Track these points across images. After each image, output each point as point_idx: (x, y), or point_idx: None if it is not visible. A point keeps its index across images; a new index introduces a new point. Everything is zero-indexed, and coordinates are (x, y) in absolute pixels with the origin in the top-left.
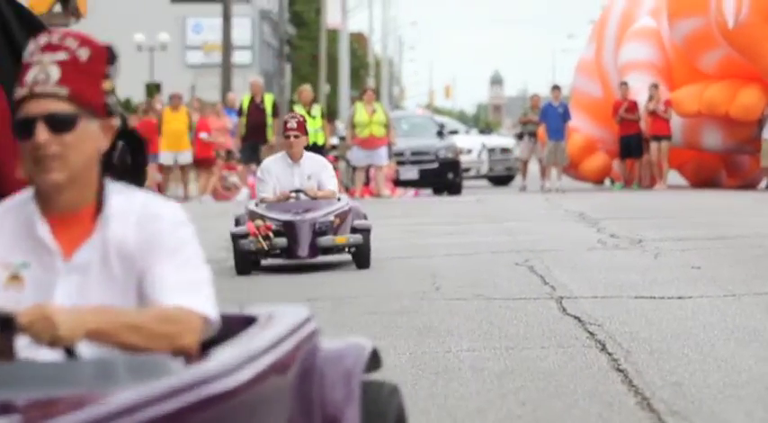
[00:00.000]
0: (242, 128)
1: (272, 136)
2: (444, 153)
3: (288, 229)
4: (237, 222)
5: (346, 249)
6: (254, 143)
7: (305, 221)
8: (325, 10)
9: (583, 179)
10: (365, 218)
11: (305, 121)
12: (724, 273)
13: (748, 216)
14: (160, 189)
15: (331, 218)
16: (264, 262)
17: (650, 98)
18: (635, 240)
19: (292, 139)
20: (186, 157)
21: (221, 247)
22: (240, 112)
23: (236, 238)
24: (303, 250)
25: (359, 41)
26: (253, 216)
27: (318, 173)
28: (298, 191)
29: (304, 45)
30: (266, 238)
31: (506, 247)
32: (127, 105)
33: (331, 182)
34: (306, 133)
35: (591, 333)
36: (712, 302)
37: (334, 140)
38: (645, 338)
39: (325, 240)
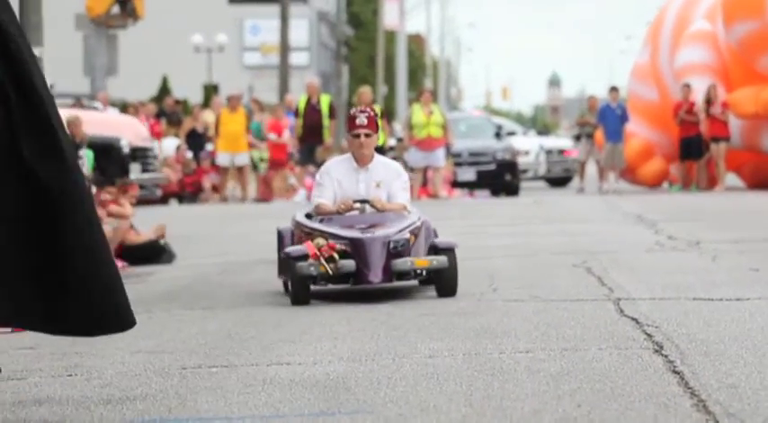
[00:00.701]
0: (298, 129)
1: (328, 137)
2: (502, 154)
3: (356, 248)
4: (280, 236)
5: (425, 274)
6: (310, 144)
7: (376, 239)
8: (383, 11)
9: (640, 184)
10: (435, 234)
11: (377, 116)
12: None
13: None
14: (217, 190)
15: (406, 235)
16: (315, 287)
17: (707, 100)
18: (693, 242)
19: (362, 138)
20: (243, 158)
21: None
22: (297, 114)
23: (290, 260)
24: (375, 274)
25: (416, 43)
26: (303, 230)
27: (390, 182)
28: (363, 201)
29: (361, 46)
30: (330, 260)
31: (564, 249)
32: (185, 107)
33: (403, 194)
34: (377, 130)
35: (648, 335)
36: None
37: (392, 141)
38: (702, 340)
39: (403, 263)
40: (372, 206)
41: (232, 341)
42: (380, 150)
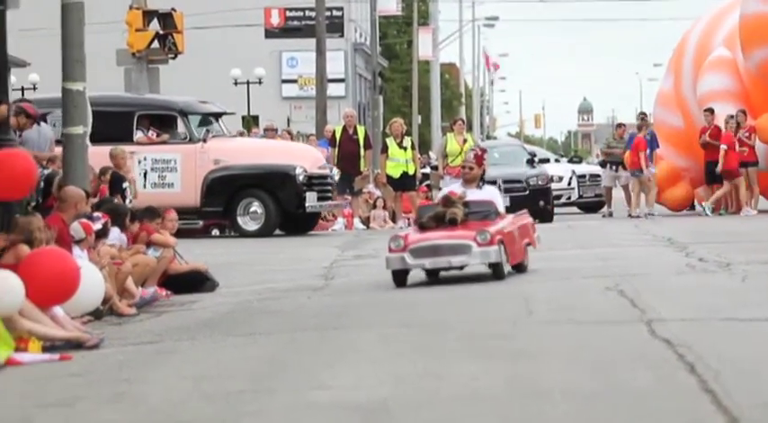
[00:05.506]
0: (335, 158)
1: (364, 167)
2: (535, 181)
3: None
4: None
5: None
6: (347, 174)
7: None
8: (417, 42)
9: (664, 207)
10: None
11: None
12: None
13: None
14: None
15: None
16: None
17: (737, 125)
18: (723, 264)
19: None
20: None
21: (317, 275)
22: (333, 143)
23: None
24: None
25: (450, 72)
26: None
27: None
28: None
29: (396, 77)
30: None
31: (597, 272)
32: None
33: None
34: None
35: (680, 355)
36: None
37: (426, 170)
38: (733, 360)
39: None
40: None
41: (274, 366)
42: (413, 178)
